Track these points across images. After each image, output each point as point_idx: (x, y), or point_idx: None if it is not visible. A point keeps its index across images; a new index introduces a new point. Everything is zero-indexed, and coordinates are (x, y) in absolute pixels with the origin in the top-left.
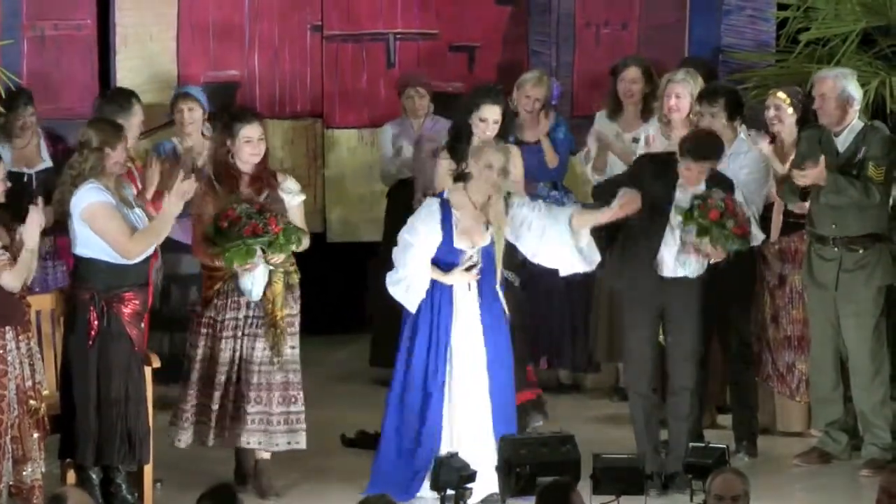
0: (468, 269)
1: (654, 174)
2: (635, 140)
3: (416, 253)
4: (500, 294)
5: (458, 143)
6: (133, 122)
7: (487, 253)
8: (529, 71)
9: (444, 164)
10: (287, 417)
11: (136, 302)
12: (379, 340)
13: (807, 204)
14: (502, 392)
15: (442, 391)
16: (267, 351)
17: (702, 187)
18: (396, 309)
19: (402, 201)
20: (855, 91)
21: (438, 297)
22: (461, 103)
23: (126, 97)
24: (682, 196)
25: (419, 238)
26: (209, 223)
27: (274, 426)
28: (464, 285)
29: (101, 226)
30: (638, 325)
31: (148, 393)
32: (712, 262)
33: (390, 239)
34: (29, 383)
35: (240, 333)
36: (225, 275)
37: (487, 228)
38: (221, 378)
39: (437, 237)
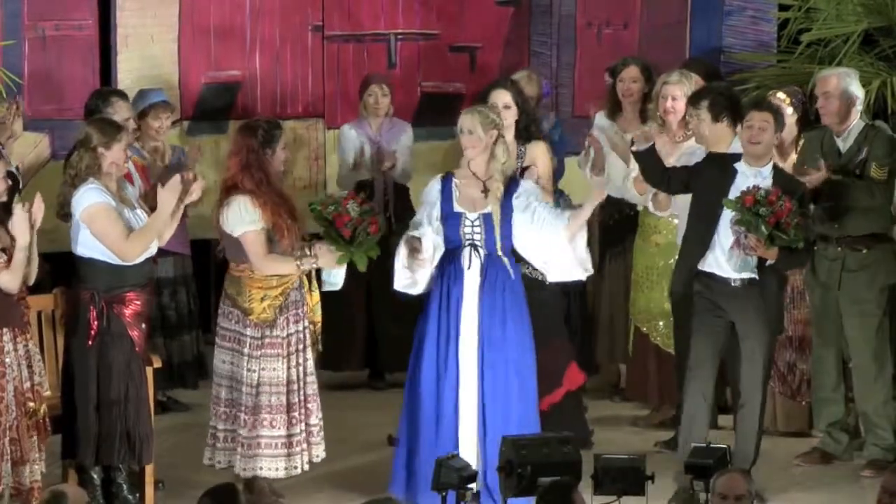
0: (413, 250)
1: (710, 176)
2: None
3: (418, 217)
4: (508, 264)
5: None
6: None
7: (488, 221)
8: (519, 70)
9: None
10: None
11: (138, 303)
12: (329, 345)
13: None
14: (499, 383)
15: (455, 390)
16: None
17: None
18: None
19: None
20: (858, 90)
21: (447, 284)
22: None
23: (106, 95)
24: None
25: (419, 218)
26: (330, 232)
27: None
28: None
29: (98, 228)
30: (696, 330)
31: (149, 393)
32: (758, 256)
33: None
34: (27, 385)
35: (301, 347)
36: (287, 287)
37: (486, 196)
38: (299, 397)
39: (435, 199)
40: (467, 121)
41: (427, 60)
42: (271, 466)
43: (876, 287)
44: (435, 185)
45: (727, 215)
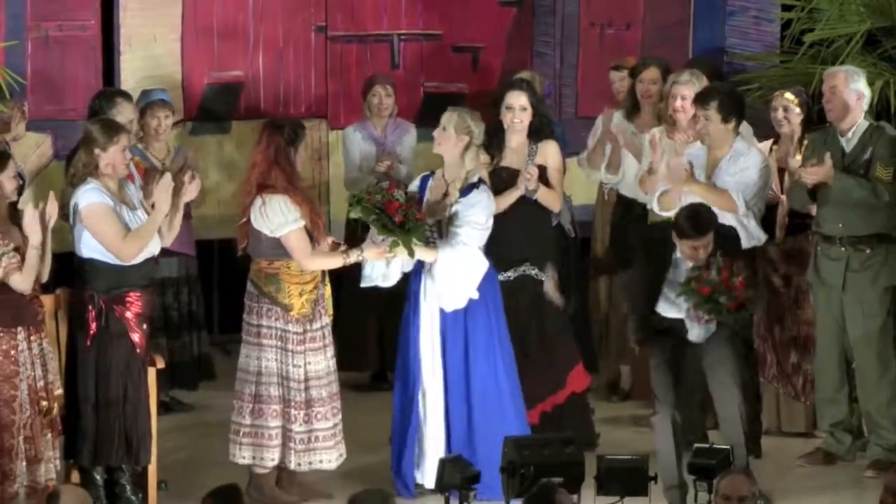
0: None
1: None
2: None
3: None
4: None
5: (492, 140)
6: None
7: (442, 225)
8: (521, 71)
9: (481, 159)
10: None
11: (139, 303)
12: (343, 345)
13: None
14: (461, 383)
15: (418, 391)
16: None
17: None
18: (364, 313)
19: None
20: (864, 88)
21: (412, 283)
22: (494, 103)
23: (110, 96)
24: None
25: None
26: (382, 220)
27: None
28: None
29: (95, 227)
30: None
31: (150, 394)
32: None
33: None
34: (41, 384)
35: (331, 339)
36: (318, 281)
37: (444, 200)
38: (328, 391)
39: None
40: (445, 117)
41: (430, 61)
42: (326, 458)
43: (879, 287)
44: (415, 183)
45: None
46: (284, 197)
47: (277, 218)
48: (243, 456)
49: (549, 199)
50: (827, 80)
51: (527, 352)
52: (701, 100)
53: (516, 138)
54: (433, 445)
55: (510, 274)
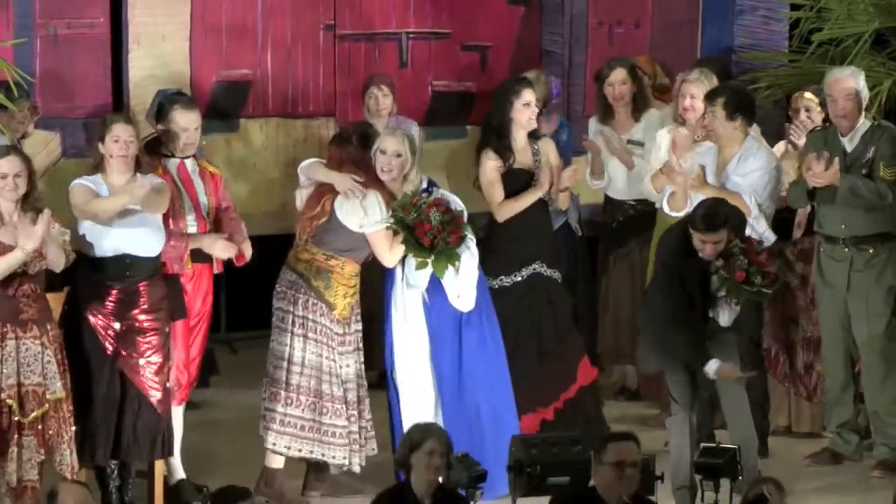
0: None
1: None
2: (630, 142)
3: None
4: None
5: (501, 142)
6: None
7: None
8: (529, 71)
9: (492, 164)
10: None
11: (112, 300)
12: None
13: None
14: (452, 381)
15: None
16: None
17: None
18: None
19: None
20: (865, 90)
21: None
22: (497, 104)
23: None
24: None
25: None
26: (409, 239)
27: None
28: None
29: (73, 202)
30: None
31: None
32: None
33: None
34: (10, 381)
35: (360, 347)
36: (357, 288)
37: None
38: (358, 394)
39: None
40: (394, 143)
41: (438, 60)
42: (338, 455)
43: (884, 286)
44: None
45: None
46: (378, 194)
47: (375, 214)
48: (274, 443)
49: (561, 198)
50: (838, 84)
51: (542, 349)
52: (708, 98)
53: (523, 137)
54: None
55: (523, 272)
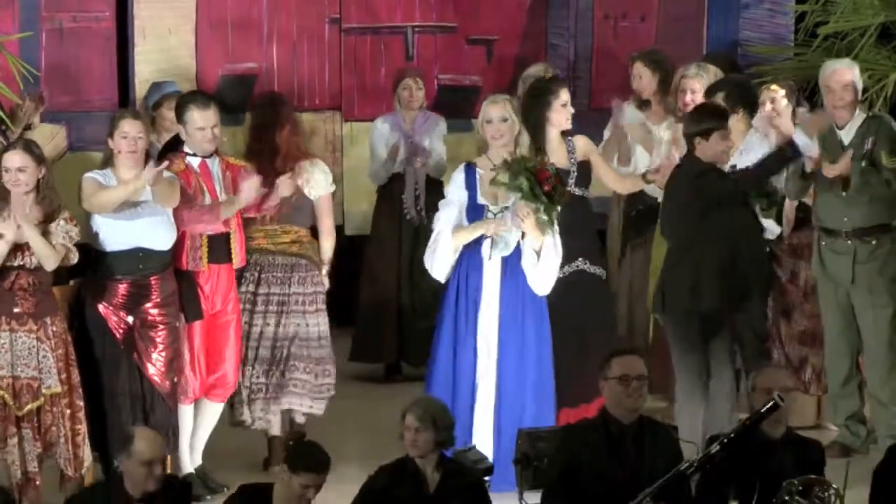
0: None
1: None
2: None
3: (444, 212)
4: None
5: (535, 142)
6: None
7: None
8: (535, 64)
9: None
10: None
11: (124, 294)
12: (361, 336)
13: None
14: (515, 375)
15: (472, 381)
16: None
17: None
18: (383, 305)
19: (390, 196)
20: (861, 81)
21: (467, 274)
22: (533, 104)
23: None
24: None
25: (448, 198)
26: (532, 186)
27: None
28: (486, 257)
29: (82, 195)
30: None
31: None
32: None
33: (380, 233)
34: (3, 373)
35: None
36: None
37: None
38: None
39: (462, 194)
40: (497, 109)
41: (444, 53)
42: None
43: (887, 276)
44: (459, 175)
45: None
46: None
47: (323, 179)
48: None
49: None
50: (838, 75)
51: (587, 349)
52: (710, 92)
53: (556, 136)
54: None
55: (566, 269)
